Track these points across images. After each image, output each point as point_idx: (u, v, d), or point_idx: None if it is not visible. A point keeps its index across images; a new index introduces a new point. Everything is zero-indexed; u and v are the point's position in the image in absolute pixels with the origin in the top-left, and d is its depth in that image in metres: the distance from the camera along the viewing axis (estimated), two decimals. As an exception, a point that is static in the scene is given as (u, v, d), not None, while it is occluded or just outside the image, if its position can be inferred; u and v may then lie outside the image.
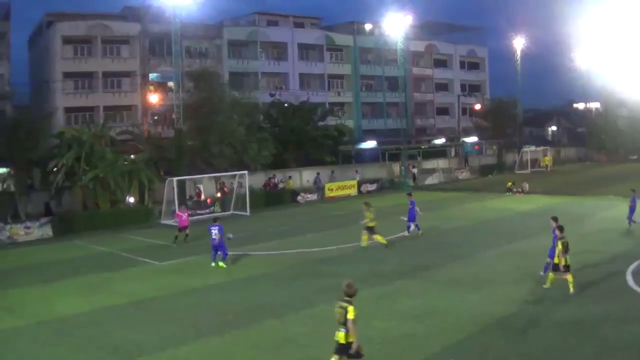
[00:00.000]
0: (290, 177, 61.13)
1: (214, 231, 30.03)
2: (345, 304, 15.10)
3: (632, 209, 37.58)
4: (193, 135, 53.21)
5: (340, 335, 15.09)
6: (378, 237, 32.91)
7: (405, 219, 37.68)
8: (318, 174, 62.63)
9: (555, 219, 25.14)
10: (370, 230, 32.92)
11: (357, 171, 67.95)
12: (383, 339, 18.67)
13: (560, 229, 23.89)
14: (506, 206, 48.47)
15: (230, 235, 31.03)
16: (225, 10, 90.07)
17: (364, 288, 24.14)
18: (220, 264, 29.97)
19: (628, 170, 79.40)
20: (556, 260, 23.40)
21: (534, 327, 19.35)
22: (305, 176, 62.53)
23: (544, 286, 23.52)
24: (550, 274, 23.71)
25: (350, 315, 14.92)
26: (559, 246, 23.25)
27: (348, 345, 15.06)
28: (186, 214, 37.16)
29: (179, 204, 41.96)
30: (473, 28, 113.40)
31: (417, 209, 37.25)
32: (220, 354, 18.02)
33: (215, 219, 32.07)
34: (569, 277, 23.10)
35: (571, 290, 22.81)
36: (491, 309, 21.29)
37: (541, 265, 25.99)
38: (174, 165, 50.29)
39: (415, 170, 72.32)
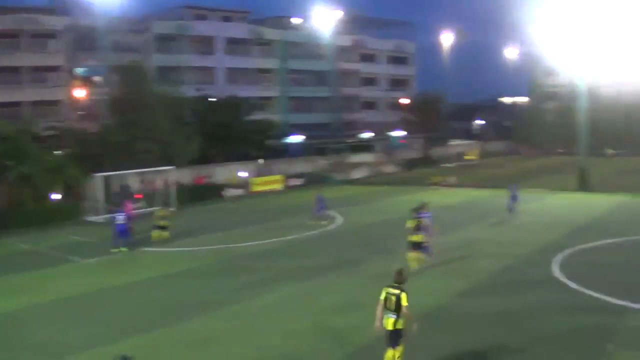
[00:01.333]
0: (232, 172, 61.37)
1: (120, 218, 32.37)
2: (397, 291, 15.36)
3: (513, 198, 39.99)
4: (119, 130, 52.89)
5: (390, 322, 15.25)
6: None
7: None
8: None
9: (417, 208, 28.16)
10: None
11: (265, 165, 67.45)
12: (310, 334, 19.02)
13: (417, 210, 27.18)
14: (433, 199, 48.95)
15: None
16: (153, 3, 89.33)
17: (291, 283, 25.04)
18: (123, 249, 32.11)
19: (555, 163, 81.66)
20: (414, 239, 25.59)
21: (463, 319, 19.95)
22: (231, 171, 62.42)
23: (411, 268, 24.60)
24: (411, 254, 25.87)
25: (405, 302, 15.11)
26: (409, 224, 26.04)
27: (396, 331, 15.23)
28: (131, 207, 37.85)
29: (125, 198, 42.26)
30: (401, 23, 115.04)
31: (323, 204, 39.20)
32: (148, 352, 17.90)
33: (123, 205, 34.73)
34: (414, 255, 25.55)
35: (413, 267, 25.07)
36: (420, 302, 21.02)
37: (471, 258, 27.18)
38: (101, 161, 50.01)
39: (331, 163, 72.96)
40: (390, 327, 15.18)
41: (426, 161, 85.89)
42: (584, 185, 53.14)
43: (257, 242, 34.12)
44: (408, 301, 15.12)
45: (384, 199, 52.02)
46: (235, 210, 49.04)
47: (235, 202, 54.28)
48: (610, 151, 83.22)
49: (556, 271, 25.66)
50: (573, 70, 63.26)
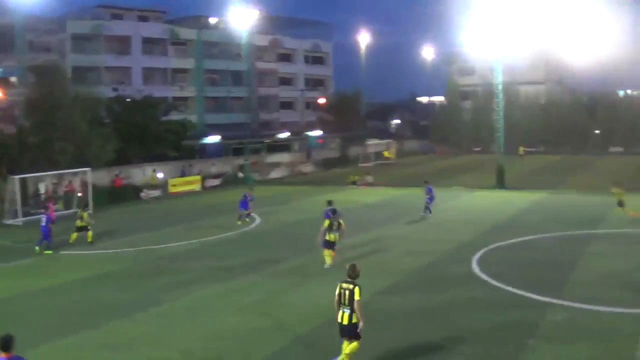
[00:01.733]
0: (154, 170, 61.21)
1: (43, 219, 32.51)
2: (350, 285, 15.65)
3: (430, 199, 40.68)
4: (35, 131, 52.26)
5: (344, 316, 15.55)
6: None
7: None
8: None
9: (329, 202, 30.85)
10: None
11: (190, 165, 67.36)
12: (232, 334, 19.11)
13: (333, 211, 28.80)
14: (351, 199, 49.45)
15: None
16: (69, 3, 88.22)
17: (211, 284, 25.05)
18: (37, 248, 32.48)
19: (472, 162, 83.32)
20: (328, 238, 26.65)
21: (383, 316, 20.11)
22: (148, 172, 62.11)
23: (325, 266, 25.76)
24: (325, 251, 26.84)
25: (357, 297, 15.40)
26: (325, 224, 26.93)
27: (351, 325, 15.51)
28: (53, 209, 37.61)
29: (45, 200, 41.83)
30: (318, 23, 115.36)
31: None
32: (70, 356, 17.88)
33: (46, 208, 34.58)
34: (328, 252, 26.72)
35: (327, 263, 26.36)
36: None
37: (391, 256, 27.89)
38: (17, 162, 49.39)
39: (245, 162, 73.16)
40: (345, 321, 15.55)
41: (344, 161, 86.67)
42: (501, 183, 54.52)
43: (177, 243, 34.15)
44: (361, 295, 15.50)
45: (303, 199, 52.49)
46: (155, 211, 48.92)
47: (154, 203, 54.05)
48: (521, 150, 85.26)
49: (476, 268, 26.31)
50: (489, 69, 64.84)
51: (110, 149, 55.92)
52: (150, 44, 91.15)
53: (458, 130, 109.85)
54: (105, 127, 58.97)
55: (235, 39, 78.97)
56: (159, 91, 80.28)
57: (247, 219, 40.49)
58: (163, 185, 59.37)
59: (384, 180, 62.58)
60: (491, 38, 55.98)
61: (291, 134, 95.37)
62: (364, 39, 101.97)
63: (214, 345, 18.25)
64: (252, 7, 72.72)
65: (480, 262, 27.34)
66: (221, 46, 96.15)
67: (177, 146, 69.17)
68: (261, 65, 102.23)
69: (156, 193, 57.22)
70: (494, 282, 23.99)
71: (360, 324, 15.50)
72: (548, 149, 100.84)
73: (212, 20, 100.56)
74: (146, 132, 65.46)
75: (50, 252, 32.50)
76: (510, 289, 23.01)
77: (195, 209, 48.92)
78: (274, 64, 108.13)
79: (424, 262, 27.95)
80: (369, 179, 61.24)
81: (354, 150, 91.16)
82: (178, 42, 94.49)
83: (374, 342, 17.65)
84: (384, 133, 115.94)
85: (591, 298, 21.53)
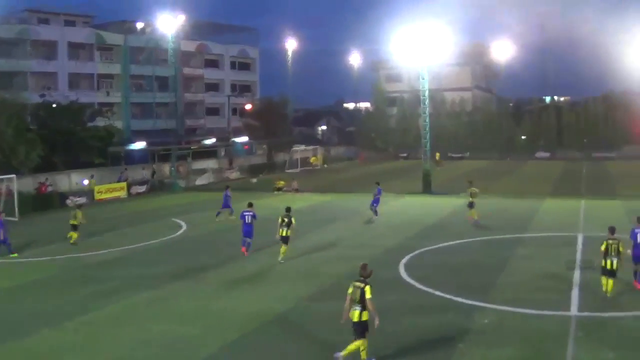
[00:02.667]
0: (92, 176, 60.89)
1: None
2: (361, 284, 16.49)
3: (376, 200, 41.75)
4: (-41, 137, 51.82)
5: (355, 314, 16.37)
6: None
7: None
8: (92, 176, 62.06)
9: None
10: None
11: (121, 172, 66.82)
12: (160, 342, 19.12)
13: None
14: (277, 205, 48.71)
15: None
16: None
17: (138, 291, 24.96)
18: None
19: (398, 168, 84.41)
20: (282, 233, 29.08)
21: (312, 323, 20.50)
22: (74, 179, 61.87)
23: None
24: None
25: (369, 295, 16.25)
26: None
27: (361, 322, 16.36)
28: None
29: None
30: (245, 29, 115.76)
31: None
32: None
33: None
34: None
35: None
36: (268, 307, 22.10)
37: (318, 262, 28.94)
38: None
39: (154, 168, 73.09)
40: (355, 318, 16.38)
41: (270, 167, 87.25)
42: (428, 188, 55.69)
43: (103, 251, 33.95)
44: (372, 293, 16.32)
45: (229, 206, 52.64)
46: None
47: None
48: (437, 156, 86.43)
49: (403, 273, 26.76)
50: (415, 76, 66.13)
51: (35, 155, 55.50)
52: (77, 49, 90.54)
53: (385, 136, 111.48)
54: (31, 134, 58.46)
55: (162, 44, 78.98)
56: (85, 97, 79.88)
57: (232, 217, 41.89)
58: (89, 192, 58.90)
59: (310, 187, 63.15)
60: (418, 45, 57.08)
61: (217, 140, 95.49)
62: (291, 44, 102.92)
63: (142, 353, 18.30)
64: (178, 12, 72.85)
65: (408, 267, 27.88)
66: (147, 51, 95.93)
67: (103, 153, 68.78)
68: (188, 70, 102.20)
69: (82, 200, 56.80)
70: (422, 287, 24.44)
71: (376, 321, 16.34)
72: (474, 155, 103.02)
73: (139, 25, 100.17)
74: (71, 138, 65.00)
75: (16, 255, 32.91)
76: (438, 293, 23.46)
77: (121, 216, 48.86)
78: (200, 70, 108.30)
79: (351, 267, 27.36)
80: (294, 185, 61.88)
81: (280, 157, 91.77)
82: (104, 47, 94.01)
83: (300, 349, 18.21)
84: (311, 139, 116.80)
85: (519, 300, 22.21)
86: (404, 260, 29.28)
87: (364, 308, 16.32)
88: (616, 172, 75.27)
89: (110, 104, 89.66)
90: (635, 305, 21.77)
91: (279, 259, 29.33)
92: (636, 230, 23.59)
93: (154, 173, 70.93)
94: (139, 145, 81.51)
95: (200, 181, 74.34)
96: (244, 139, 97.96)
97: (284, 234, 29.39)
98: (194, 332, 19.96)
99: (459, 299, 22.63)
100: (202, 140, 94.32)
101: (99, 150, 68.14)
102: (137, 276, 27.84)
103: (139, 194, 63.65)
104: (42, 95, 72.37)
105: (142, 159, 77.66)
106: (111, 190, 61.31)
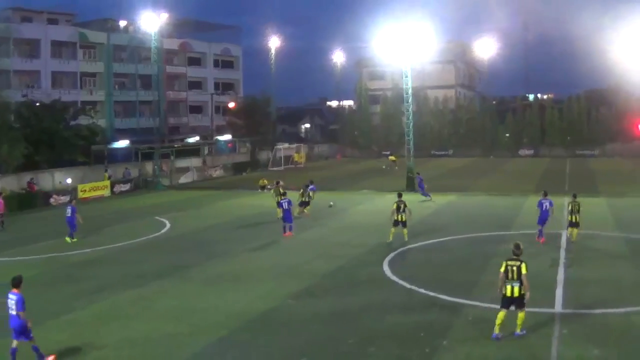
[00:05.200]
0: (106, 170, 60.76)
1: None
2: (517, 262, 18.20)
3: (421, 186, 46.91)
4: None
5: (516, 289, 18.04)
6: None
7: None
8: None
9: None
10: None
11: (106, 170, 66.75)
12: (145, 341, 19.08)
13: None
14: (261, 203, 49.69)
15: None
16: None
17: (123, 290, 24.88)
18: None
19: (381, 165, 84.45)
20: None
21: (296, 321, 20.49)
22: (57, 177, 61.63)
23: None
24: None
25: (524, 270, 18.01)
26: None
27: (521, 297, 18.07)
28: None
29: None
30: (228, 27, 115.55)
31: None
32: None
33: None
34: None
35: None
36: (252, 305, 22.13)
37: (302, 259, 28.74)
38: None
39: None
40: (516, 294, 18.06)
41: (254, 165, 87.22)
42: (411, 186, 55.74)
43: (88, 250, 33.94)
44: (527, 270, 18.07)
45: (213, 204, 52.86)
46: (65, 217, 48.38)
47: (64, 209, 53.25)
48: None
49: (387, 271, 26.80)
50: (399, 74, 66.23)
51: (19, 154, 55.22)
52: (60, 47, 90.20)
53: (368, 134, 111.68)
54: (14, 132, 58.17)
55: (145, 43, 78.77)
56: (68, 95, 79.66)
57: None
58: (73, 191, 58.59)
59: (293, 185, 63.09)
60: (401, 43, 57.19)
61: (201, 139, 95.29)
62: (274, 42, 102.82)
63: (127, 352, 18.24)
64: (161, 10, 72.66)
65: (392, 265, 27.90)
66: (130, 50, 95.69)
67: (86, 151, 68.53)
68: (170, 69, 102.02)
69: (65, 199, 56.44)
70: (406, 284, 24.46)
71: (527, 295, 18.12)
72: (458, 153, 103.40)
73: (122, 24, 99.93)
74: (54, 137, 64.74)
75: None
76: (422, 290, 23.50)
77: (105, 214, 48.72)
78: (183, 68, 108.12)
79: (336, 265, 28.28)
80: (281, 183, 61.75)
81: (264, 155, 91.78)
82: (87, 45, 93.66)
83: (284, 346, 18.21)
84: (294, 137, 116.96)
85: (503, 298, 22.55)
86: (388, 258, 29.33)
87: (521, 283, 17.97)
88: (599, 169, 75.73)
89: (94, 103, 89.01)
90: (619, 302, 21.89)
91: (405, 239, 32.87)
92: (542, 201, 32.86)
93: (157, 171, 70.54)
94: (122, 143, 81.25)
95: (183, 179, 74.17)
96: (227, 137, 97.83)
97: (402, 219, 32.81)
98: (179, 331, 19.92)
99: (443, 297, 22.67)
100: (185, 138, 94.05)
101: (82, 149, 67.71)
102: (122, 275, 27.76)
103: (122, 192, 63.49)
104: (25, 95, 72.00)
105: (125, 158, 77.27)
106: (95, 188, 61.09)
